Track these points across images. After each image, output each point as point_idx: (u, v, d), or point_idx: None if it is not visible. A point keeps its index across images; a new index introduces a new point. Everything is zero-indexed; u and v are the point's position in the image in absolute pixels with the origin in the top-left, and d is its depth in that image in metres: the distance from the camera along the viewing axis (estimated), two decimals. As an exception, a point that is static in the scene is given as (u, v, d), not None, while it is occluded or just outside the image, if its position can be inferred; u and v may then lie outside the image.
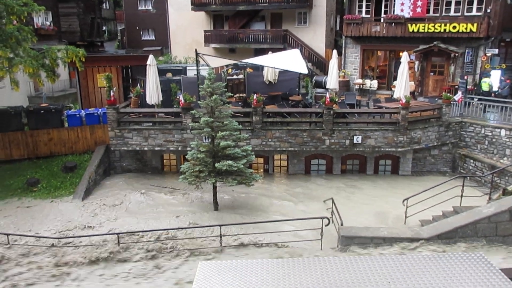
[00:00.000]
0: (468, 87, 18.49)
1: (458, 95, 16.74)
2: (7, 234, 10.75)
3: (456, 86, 19.24)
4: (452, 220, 10.21)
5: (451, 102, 16.32)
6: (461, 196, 11.59)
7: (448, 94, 16.50)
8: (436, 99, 18.39)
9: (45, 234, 11.56)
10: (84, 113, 16.76)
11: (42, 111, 16.18)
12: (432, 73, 21.18)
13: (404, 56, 16.55)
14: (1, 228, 12.12)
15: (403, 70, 16.39)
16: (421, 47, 20.34)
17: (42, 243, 10.83)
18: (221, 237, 10.54)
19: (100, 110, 16.92)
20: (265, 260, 5.06)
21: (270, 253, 10.27)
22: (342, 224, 10.36)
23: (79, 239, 11.00)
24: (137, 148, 16.04)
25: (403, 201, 11.53)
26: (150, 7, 39.49)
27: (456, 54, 19.74)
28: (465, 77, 18.88)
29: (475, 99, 17.47)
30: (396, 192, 14.08)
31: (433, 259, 4.87)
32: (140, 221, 12.47)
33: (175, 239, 10.97)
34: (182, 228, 11.50)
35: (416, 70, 21.00)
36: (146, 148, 16.01)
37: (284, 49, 24.12)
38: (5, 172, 15.45)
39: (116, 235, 10.58)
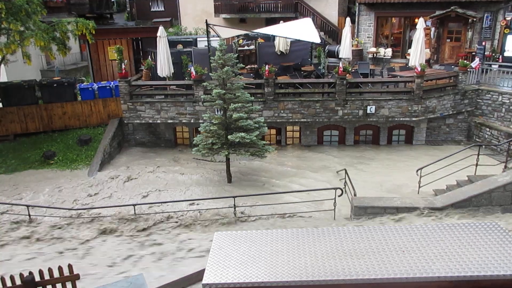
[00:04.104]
0: (486, 53, 17.96)
1: (476, 62, 16.29)
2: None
3: (474, 53, 18.71)
4: (467, 189, 10.17)
5: (468, 70, 15.92)
6: (476, 165, 11.48)
7: (465, 61, 16.07)
8: (452, 66, 17.94)
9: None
10: (97, 86, 16.81)
11: (55, 85, 16.27)
12: (448, 40, 20.58)
13: (420, 23, 16.08)
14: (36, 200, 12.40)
15: (419, 37, 15.96)
16: (437, 12, 19.67)
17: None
18: (235, 208, 10.70)
19: (112, 83, 16.95)
20: (279, 230, 5.12)
21: (284, 223, 10.41)
22: (355, 195, 10.40)
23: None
24: (150, 121, 16.11)
25: (417, 171, 11.46)
26: (158, -23, 38.73)
27: (474, 19, 19.08)
28: (483, 43, 18.33)
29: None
30: (410, 162, 13.99)
31: (447, 228, 4.86)
32: (155, 193, 12.67)
33: (189, 211, 11.17)
34: (196, 200, 11.66)
35: (432, 37, 20.40)
36: (158, 121, 16.08)
37: (295, 18, 23.57)
38: (22, 145, 15.74)
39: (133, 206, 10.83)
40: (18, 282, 6.43)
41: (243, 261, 4.44)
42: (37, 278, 6.48)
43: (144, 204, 11.42)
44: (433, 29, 20.31)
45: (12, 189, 13.11)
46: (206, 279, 4.24)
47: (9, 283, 6.45)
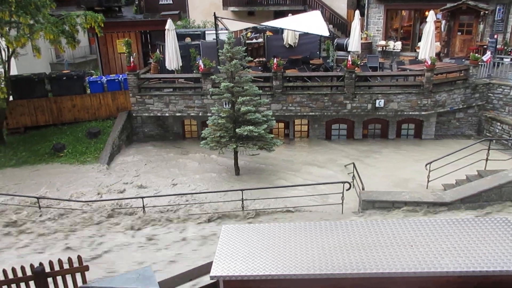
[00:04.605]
0: (497, 46, 17.71)
1: (487, 56, 16.07)
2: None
3: (485, 46, 18.44)
4: (476, 184, 10.08)
5: (479, 63, 15.71)
6: (486, 159, 11.37)
7: (476, 55, 15.86)
8: (463, 60, 17.71)
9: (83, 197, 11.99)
10: (105, 79, 16.88)
11: (64, 78, 16.38)
12: (459, 33, 20.30)
13: (430, 15, 15.87)
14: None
15: (429, 30, 15.77)
16: (448, 5, 19.38)
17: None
18: (242, 202, 10.72)
19: (120, 76, 17.01)
20: (286, 223, 5.13)
21: (291, 217, 10.41)
22: (363, 189, 10.36)
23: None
24: (158, 114, 16.16)
25: (426, 165, 11.37)
26: (166, -30, 38.64)
27: (486, 12, 18.77)
28: (495, 36, 18.05)
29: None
30: (419, 157, 13.89)
31: (456, 223, 4.83)
32: (163, 186, 12.74)
33: (197, 203, 11.22)
34: (204, 193, 11.70)
35: (442, 30, 20.13)
36: (167, 114, 16.11)
37: (304, 11, 23.41)
38: (32, 138, 15.90)
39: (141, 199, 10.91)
40: (28, 272, 6.52)
41: (251, 254, 4.46)
42: (47, 269, 6.56)
43: (152, 197, 11.49)
44: (443, 22, 20.04)
45: (24, 182, 13.28)
46: (213, 271, 4.27)
47: (20, 274, 6.54)
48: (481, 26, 19.38)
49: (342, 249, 4.45)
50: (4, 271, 6.46)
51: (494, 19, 19.12)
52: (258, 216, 10.61)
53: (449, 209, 9.59)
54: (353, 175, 11.69)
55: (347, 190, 10.36)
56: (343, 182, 10.36)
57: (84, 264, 6.77)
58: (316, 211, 10.68)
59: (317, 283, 4.21)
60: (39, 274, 6.35)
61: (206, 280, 5.04)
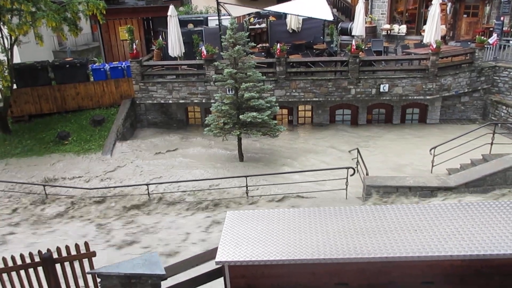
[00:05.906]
0: (504, 28, 17.46)
1: (493, 38, 15.86)
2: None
3: (491, 28, 18.18)
4: (481, 168, 10.05)
5: (485, 46, 15.52)
6: (491, 143, 11.31)
7: (482, 37, 15.65)
8: (469, 43, 17.48)
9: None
10: (109, 67, 16.83)
11: (67, 66, 16.34)
12: (465, 15, 20.00)
13: (436, -2, 15.64)
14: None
15: (434, 13, 15.56)
16: (454, -13, 19.10)
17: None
18: (247, 188, 10.77)
19: (123, 63, 16.94)
20: (291, 209, 5.15)
21: (296, 203, 10.46)
22: (367, 174, 10.36)
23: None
24: (162, 101, 16.14)
25: (430, 149, 11.33)
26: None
27: (493, -7, 18.49)
28: (502, 18, 17.77)
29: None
30: (423, 141, 13.83)
31: (461, 207, 4.84)
32: (168, 173, 12.80)
33: (202, 190, 11.28)
34: (208, 179, 11.75)
35: (448, 12, 19.84)
36: (170, 101, 16.09)
37: (307, -6, 23.08)
38: (37, 126, 15.96)
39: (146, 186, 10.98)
40: (36, 259, 6.60)
41: (255, 240, 4.49)
42: (55, 255, 6.64)
43: (157, 184, 11.56)
44: (449, 4, 19.74)
45: (31, 171, 13.40)
46: (219, 257, 4.32)
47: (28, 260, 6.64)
48: (488, 8, 19.08)
49: (346, 234, 4.48)
50: (13, 257, 6.55)
51: (500, 1, 18.81)
52: (262, 202, 10.67)
53: (454, 194, 9.58)
54: (357, 161, 11.69)
55: (351, 175, 10.37)
56: (347, 168, 10.36)
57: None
58: (320, 196, 10.71)
59: (322, 268, 4.24)
60: (47, 260, 6.44)
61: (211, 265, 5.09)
